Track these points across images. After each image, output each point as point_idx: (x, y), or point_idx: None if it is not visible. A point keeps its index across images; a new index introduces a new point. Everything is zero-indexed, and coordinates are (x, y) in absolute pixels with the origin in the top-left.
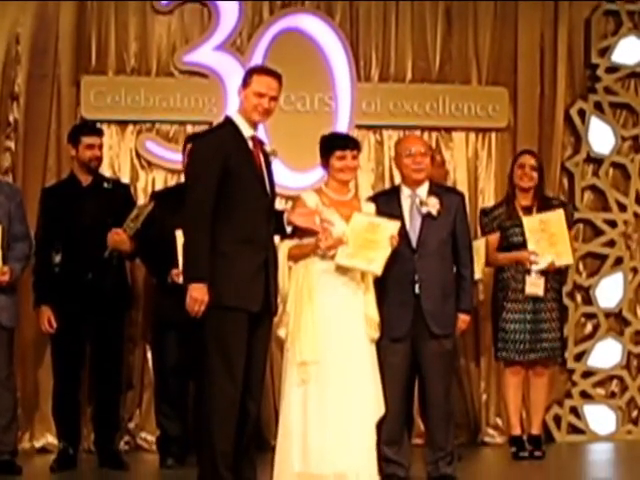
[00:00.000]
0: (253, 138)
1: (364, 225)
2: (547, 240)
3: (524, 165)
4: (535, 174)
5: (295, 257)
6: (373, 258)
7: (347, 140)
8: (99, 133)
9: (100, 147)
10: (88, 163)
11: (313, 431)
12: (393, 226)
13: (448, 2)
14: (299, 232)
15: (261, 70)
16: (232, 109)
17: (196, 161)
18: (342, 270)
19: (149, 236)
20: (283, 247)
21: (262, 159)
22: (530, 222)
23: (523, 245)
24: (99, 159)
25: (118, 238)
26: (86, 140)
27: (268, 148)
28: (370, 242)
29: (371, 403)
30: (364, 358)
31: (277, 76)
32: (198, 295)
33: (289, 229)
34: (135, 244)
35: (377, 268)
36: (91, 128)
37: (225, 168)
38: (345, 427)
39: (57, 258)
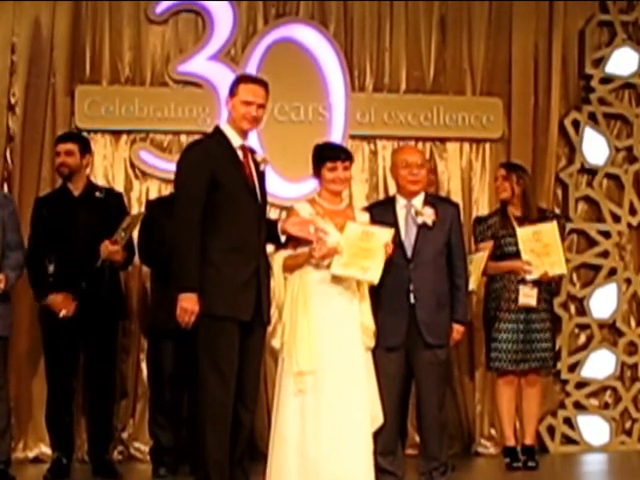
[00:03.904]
0: (243, 147)
1: (358, 234)
2: (540, 250)
3: (497, 177)
4: (507, 184)
5: (290, 267)
6: (368, 267)
7: (338, 151)
8: (68, 139)
9: (68, 153)
10: (58, 170)
11: (310, 441)
12: (387, 234)
13: (443, 11)
14: (293, 241)
15: (247, 79)
16: (225, 119)
17: (183, 171)
18: (337, 279)
19: (151, 243)
20: (278, 258)
21: (253, 168)
22: (524, 233)
23: (517, 255)
24: (67, 166)
25: (111, 248)
26: (56, 148)
27: (259, 157)
28: (364, 251)
29: (368, 412)
30: (360, 367)
31: (263, 84)
32: (188, 305)
33: (283, 238)
34: (126, 254)
35: (373, 276)
36: (62, 136)
37: (213, 178)
38: (342, 436)
39: (51, 268)
